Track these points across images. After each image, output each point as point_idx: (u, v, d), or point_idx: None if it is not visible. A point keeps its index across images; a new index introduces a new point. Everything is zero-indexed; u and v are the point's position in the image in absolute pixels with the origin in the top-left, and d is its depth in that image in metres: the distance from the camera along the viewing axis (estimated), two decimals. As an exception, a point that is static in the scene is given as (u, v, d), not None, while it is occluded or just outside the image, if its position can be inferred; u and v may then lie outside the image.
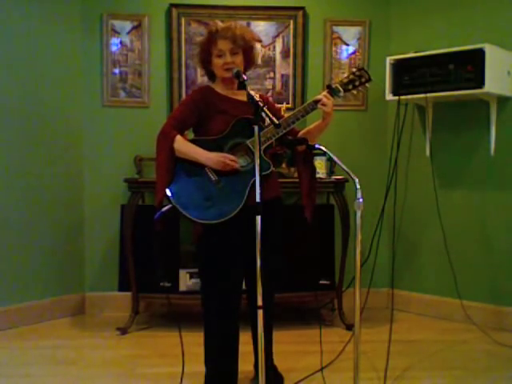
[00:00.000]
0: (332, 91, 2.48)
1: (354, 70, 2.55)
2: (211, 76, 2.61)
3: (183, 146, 2.42)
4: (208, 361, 2.54)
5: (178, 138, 2.42)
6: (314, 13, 4.03)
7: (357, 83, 2.52)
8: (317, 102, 2.46)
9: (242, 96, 2.49)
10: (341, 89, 2.50)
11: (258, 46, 2.69)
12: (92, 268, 4.01)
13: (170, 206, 2.38)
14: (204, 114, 2.49)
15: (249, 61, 2.56)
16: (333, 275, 3.74)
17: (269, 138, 2.42)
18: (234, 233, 2.42)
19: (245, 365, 2.64)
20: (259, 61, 3.95)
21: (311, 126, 2.59)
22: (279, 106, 3.81)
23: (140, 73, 3.98)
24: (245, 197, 2.38)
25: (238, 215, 2.37)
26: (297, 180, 3.54)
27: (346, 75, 2.55)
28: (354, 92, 2.55)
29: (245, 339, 2.60)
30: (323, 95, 2.47)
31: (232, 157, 2.41)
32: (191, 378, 2.65)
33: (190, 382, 2.64)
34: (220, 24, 2.52)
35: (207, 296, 2.52)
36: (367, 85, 2.56)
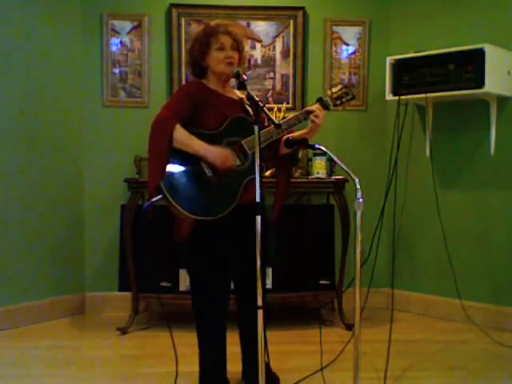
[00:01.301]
0: (323, 105, 2.53)
1: (341, 86, 2.64)
2: (201, 72, 2.54)
3: (183, 135, 2.29)
4: (200, 360, 2.55)
5: (178, 126, 2.28)
6: (314, 13, 4.04)
7: (344, 100, 2.61)
8: (309, 112, 2.50)
9: (231, 94, 2.52)
10: (331, 103, 2.57)
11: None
12: (92, 268, 4.01)
13: (159, 196, 2.26)
14: (197, 107, 2.40)
15: (240, 60, 2.53)
16: (333, 275, 3.74)
17: (263, 141, 2.40)
18: (225, 231, 2.40)
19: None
20: (258, 62, 3.96)
21: (296, 134, 2.56)
22: (279, 106, 3.85)
23: (140, 73, 3.98)
24: (238, 197, 2.36)
25: (229, 214, 2.34)
26: (296, 180, 3.58)
27: (335, 90, 2.61)
28: (340, 108, 2.62)
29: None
30: (316, 107, 2.51)
31: (232, 157, 2.38)
32: (190, 377, 2.64)
33: (190, 382, 2.64)
34: (219, 21, 2.53)
35: (198, 295, 2.51)
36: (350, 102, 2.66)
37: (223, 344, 2.53)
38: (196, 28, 3.95)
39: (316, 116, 2.49)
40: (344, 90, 2.61)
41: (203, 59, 2.49)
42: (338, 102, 2.60)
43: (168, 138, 2.26)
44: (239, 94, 2.57)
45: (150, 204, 2.25)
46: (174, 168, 2.30)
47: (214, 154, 2.32)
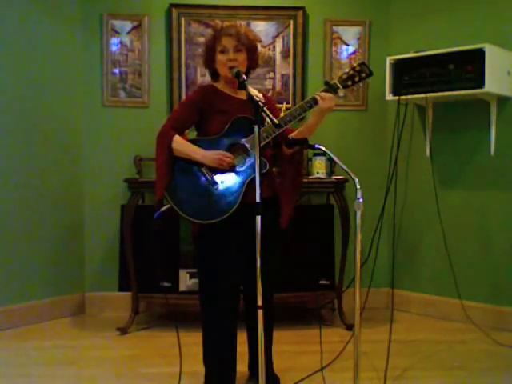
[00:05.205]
0: (330, 88, 2.46)
1: (355, 65, 2.52)
2: (214, 75, 2.59)
3: (180, 145, 2.44)
4: (207, 361, 2.54)
5: (176, 137, 2.44)
6: (314, 13, 4.04)
7: (356, 79, 2.49)
8: (314, 99, 2.43)
9: (243, 95, 2.46)
10: (339, 85, 2.47)
11: (259, 46, 2.67)
12: (92, 268, 4.01)
13: (168, 205, 2.42)
14: (204, 114, 2.49)
15: (252, 61, 2.55)
16: (333, 275, 3.74)
17: (265, 137, 2.40)
18: (232, 232, 2.43)
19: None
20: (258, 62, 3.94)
21: (301, 128, 2.56)
22: (279, 105, 3.84)
23: (140, 73, 3.98)
24: (240, 196, 2.39)
25: (235, 214, 2.37)
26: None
27: (346, 70, 2.51)
28: (354, 88, 2.54)
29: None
30: (322, 94, 2.43)
31: (228, 154, 2.41)
32: (191, 377, 2.65)
33: (190, 382, 2.65)
34: (224, 23, 2.53)
35: (206, 295, 2.52)
36: (367, 80, 2.53)
37: (230, 345, 2.52)
38: (196, 28, 3.95)
39: (322, 98, 2.41)
40: (358, 68, 2.49)
41: (212, 63, 2.54)
42: (350, 83, 2.48)
43: (168, 149, 2.43)
44: (256, 92, 2.52)
45: (159, 214, 2.41)
46: (178, 177, 2.44)
47: (210, 157, 2.41)
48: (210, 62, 2.54)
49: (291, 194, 2.59)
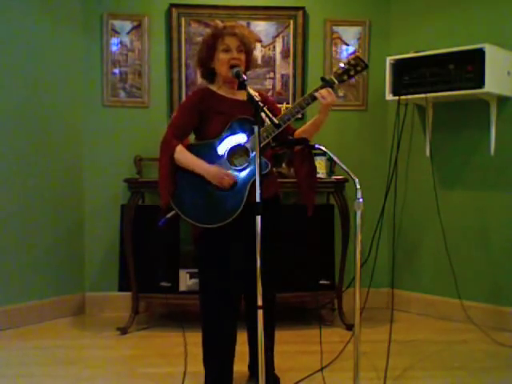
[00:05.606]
0: (326, 83, 2.45)
1: (350, 58, 2.50)
2: (209, 76, 2.58)
3: (183, 157, 2.44)
4: (207, 362, 2.54)
5: (179, 148, 2.44)
6: (314, 13, 4.04)
7: (352, 72, 2.47)
8: (312, 96, 2.43)
9: (240, 95, 2.48)
10: (335, 80, 2.46)
11: (258, 47, 2.68)
12: (92, 268, 4.01)
13: (173, 212, 2.44)
14: (203, 116, 2.48)
15: (249, 63, 2.55)
16: (333, 275, 3.74)
17: (265, 137, 2.41)
18: (233, 232, 2.43)
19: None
20: (258, 62, 3.95)
21: (307, 124, 2.56)
22: (279, 105, 3.84)
23: (140, 73, 3.98)
24: (244, 198, 2.39)
25: (239, 215, 2.38)
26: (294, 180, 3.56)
27: (341, 65, 2.48)
28: (351, 82, 2.51)
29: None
30: (321, 90, 2.42)
31: (230, 174, 2.41)
32: (192, 377, 2.65)
33: (191, 382, 2.65)
34: (226, 22, 2.52)
35: (206, 296, 2.52)
36: (363, 72, 2.52)
37: (229, 345, 2.52)
38: (196, 28, 3.96)
39: (322, 97, 2.40)
40: (353, 61, 2.47)
41: (210, 62, 2.52)
42: (345, 77, 2.46)
43: (170, 159, 2.45)
44: (253, 92, 2.52)
45: (165, 221, 2.45)
46: (181, 181, 2.45)
47: (212, 174, 2.41)
48: (208, 60, 2.51)
49: (307, 193, 2.63)
